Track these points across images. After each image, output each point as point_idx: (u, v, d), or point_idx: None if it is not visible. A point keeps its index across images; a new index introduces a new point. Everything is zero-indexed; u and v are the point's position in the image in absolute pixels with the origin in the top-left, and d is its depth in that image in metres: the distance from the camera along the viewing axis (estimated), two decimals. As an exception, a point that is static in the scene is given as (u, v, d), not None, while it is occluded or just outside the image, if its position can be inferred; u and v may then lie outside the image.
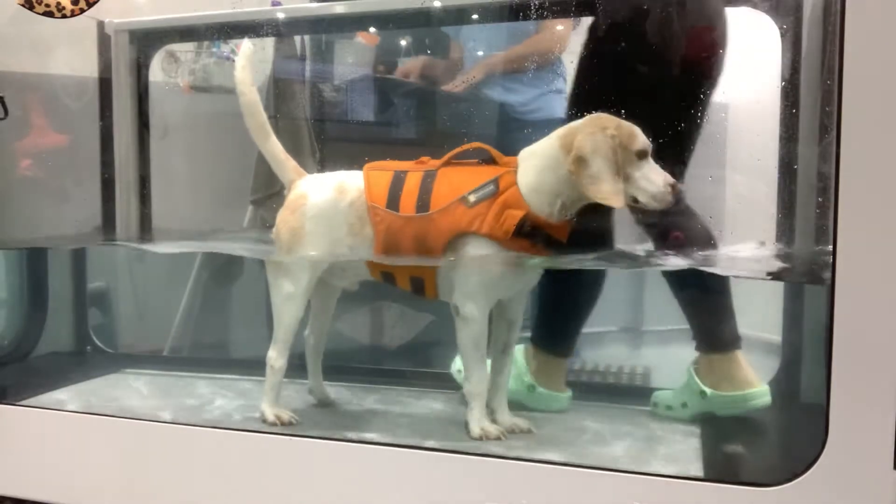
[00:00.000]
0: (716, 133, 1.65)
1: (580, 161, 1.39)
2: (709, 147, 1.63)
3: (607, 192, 1.39)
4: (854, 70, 1.16)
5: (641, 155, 1.41)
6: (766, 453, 1.65)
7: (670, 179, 1.40)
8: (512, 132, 2.08)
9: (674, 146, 1.51)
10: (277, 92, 2.20)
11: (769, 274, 1.61)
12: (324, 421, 1.70)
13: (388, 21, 2.11)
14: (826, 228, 1.24)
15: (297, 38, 2.27)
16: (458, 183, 1.49)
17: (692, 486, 1.30)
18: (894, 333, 1.17)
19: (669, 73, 1.58)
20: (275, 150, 1.65)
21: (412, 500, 1.42)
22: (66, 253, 2.41)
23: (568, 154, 1.42)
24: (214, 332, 2.65)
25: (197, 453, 1.57)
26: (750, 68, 1.68)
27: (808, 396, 1.70)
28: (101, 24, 2.16)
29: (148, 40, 2.20)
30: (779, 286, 1.82)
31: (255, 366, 1.67)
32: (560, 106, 2.03)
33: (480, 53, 2.25)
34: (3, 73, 2.00)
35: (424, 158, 1.58)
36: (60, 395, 1.91)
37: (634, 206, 1.43)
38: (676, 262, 1.56)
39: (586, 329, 1.86)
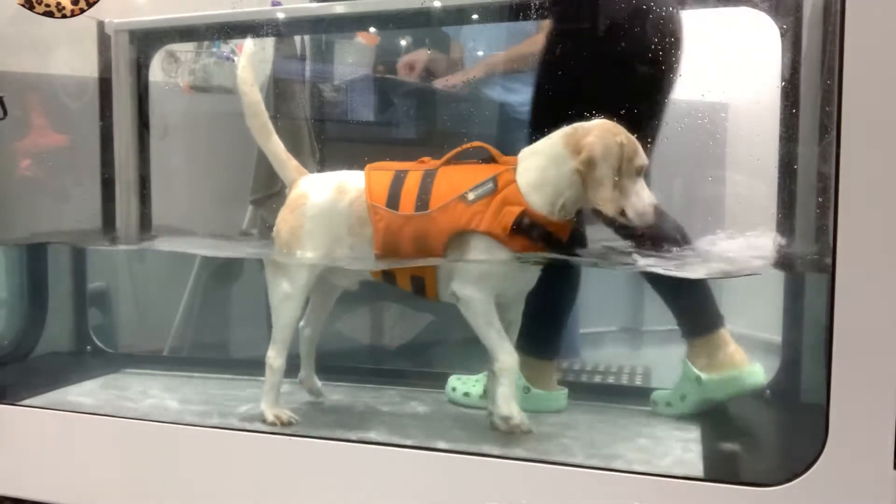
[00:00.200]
0: (716, 133, 1.65)
1: (590, 163, 1.40)
2: (709, 147, 1.64)
3: (606, 198, 1.41)
4: (854, 70, 1.16)
5: (639, 171, 1.43)
6: (766, 453, 1.65)
7: (654, 200, 1.43)
8: (512, 132, 2.08)
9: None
10: (277, 92, 2.20)
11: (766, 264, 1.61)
12: (324, 421, 1.70)
13: (388, 21, 2.11)
14: (826, 228, 1.24)
15: (297, 38, 2.27)
16: (457, 182, 1.49)
17: (692, 486, 1.30)
18: (894, 334, 1.17)
19: (625, 74, 1.59)
20: (276, 149, 1.65)
21: (412, 500, 1.42)
22: (66, 253, 2.41)
23: (573, 153, 1.43)
24: (214, 332, 2.65)
25: (197, 453, 1.57)
26: (750, 68, 1.68)
27: (808, 396, 1.70)
28: (101, 24, 2.16)
29: (148, 40, 2.21)
30: (779, 286, 1.82)
31: (255, 366, 1.67)
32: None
33: (480, 53, 2.25)
34: (3, 73, 2.00)
35: (425, 159, 1.58)
36: (60, 395, 1.90)
37: (619, 217, 1.43)
38: (668, 263, 1.57)
39: (586, 329, 1.86)
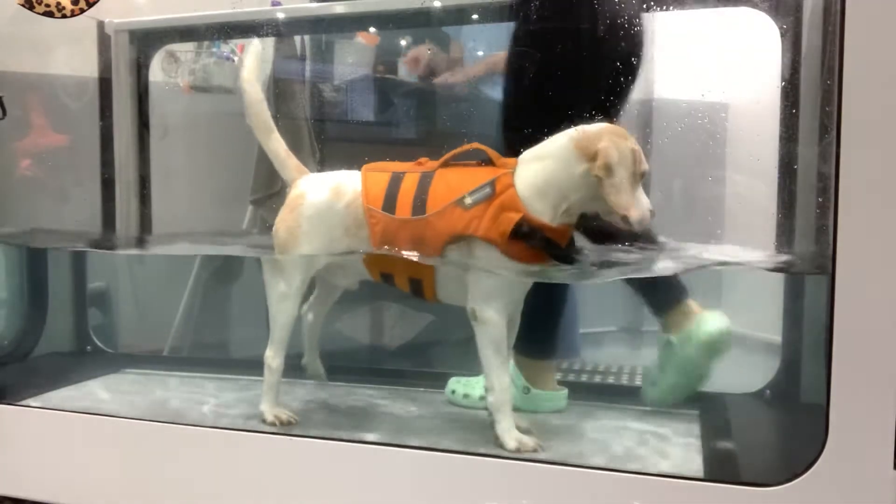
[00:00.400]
0: (716, 133, 1.65)
1: (608, 168, 1.38)
2: (709, 147, 1.64)
3: (627, 203, 1.38)
4: (854, 70, 1.16)
5: (642, 176, 1.42)
6: (766, 453, 1.65)
7: (651, 205, 1.42)
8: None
9: None
10: (278, 92, 2.20)
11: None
12: (324, 421, 1.70)
13: (388, 21, 2.11)
14: (826, 229, 1.24)
15: (297, 38, 2.27)
16: (454, 185, 1.47)
17: (692, 486, 1.30)
18: (894, 334, 1.17)
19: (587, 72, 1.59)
20: (278, 148, 1.65)
21: (412, 500, 1.42)
22: (66, 253, 2.41)
23: (585, 158, 1.39)
24: (214, 332, 2.65)
25: (197, 453, 1.57)
26: (750, 68, 1.68)
27: (808, 396, 1.70)
28: (101, 24, 2.16)
29: (148, 40, 2.21)
30: (779, 286, 1.82)
31: (255, 366, 1.67)
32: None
33: (480, 53, 2.25)
34: (3, 73, 2.00)
35: (423, 159, 1.56)
36: (60, 395, 1.90)
37: (621, 221, 1.43)
38: (664, 265, 1.58)
39: (586, 329, 1.86)
